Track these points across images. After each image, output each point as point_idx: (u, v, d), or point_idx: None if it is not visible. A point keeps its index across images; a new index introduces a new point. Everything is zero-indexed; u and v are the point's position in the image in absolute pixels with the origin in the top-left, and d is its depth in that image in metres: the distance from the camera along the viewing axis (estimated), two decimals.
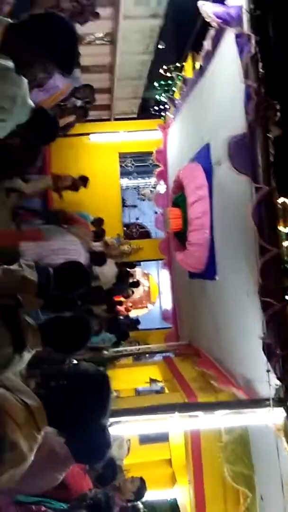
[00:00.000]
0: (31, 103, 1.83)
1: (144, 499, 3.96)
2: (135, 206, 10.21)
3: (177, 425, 3.42)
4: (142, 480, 3.77)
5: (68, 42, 1.70)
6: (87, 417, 1.55)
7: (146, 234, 10.20)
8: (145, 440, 6.58)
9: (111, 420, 2.74)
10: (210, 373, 4.08)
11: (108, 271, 6.05)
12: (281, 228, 2.77)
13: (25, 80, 1.64)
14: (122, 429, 3.11)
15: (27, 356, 2.16)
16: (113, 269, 6.28)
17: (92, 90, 5.63)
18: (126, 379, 6.46)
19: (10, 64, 1.54)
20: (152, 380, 6.22)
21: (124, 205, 8.91)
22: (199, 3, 3.33)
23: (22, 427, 1.39)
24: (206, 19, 3.38)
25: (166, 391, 5.97)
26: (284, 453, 2.67)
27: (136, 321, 7.97)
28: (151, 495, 5.62)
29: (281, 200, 2.78)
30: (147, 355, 6.99)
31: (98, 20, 5.16)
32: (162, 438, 6.54)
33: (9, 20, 1.57)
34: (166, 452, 6.66)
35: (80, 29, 4.76)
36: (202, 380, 4.36)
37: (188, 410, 2.97)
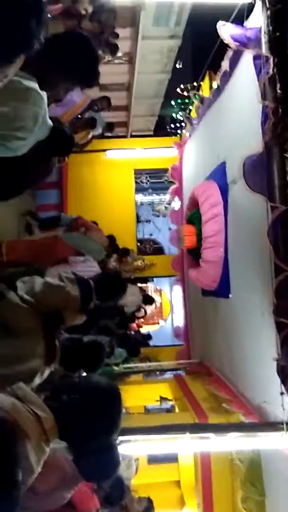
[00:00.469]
0: (50, 121, 1.87)
1: None
2: (149, 221, 10.21)
3: (188, 446, 3.35)
4: (149, 501, 3.69)
5: (89, 60, 1.75)
6: (99, 430, 1.53)
7: (159, 250, 10.20)
8: (154, 460, 6.47)
9: (120, 438, 2.70)
10: (221, 395, 4.00)
11: (130, 298, 6.18)
12: None
13: (45, 99, 1.68)
14: (131, 448, 3.06)
15: (47, 372, 2.18)
16: (135, 296, 6.38)
17: (108, 102, 5.71)
18: (136, 396, 6.38)
19: (32, 84, 1.57)
20: (163, 399, 6.13)
21: (138, 221, 8.93)
22: (218, 25, 3.38)
23: (32, 439, 1.38)
24: (225, 41, 3.42)
25: (177, 410, 5.87)
26: None
27: (148, 336, 7.89)
28: None
29: None
30: (157, 372, 6.90)
31: (117, 40, 5.28)
32: (171, 458, 6.42)
33: None
34: (175, 473, 6.52)
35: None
36: (213, 400, 4.28)
37: (199, 431, 2.91)
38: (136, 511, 3.53)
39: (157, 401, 6.31)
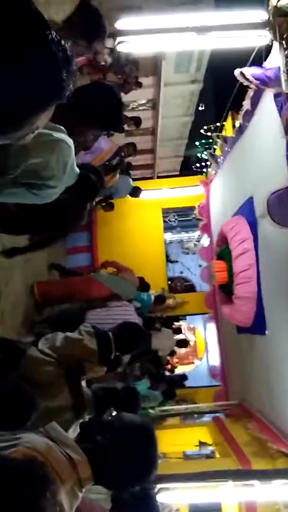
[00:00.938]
0: (77, 169, 1.96)
1: None
2: (176, 261, 10.21)
3: (231, 495, 3.16)
4: None
5: (114, 106, 1.85)
6: (136, 469, 1.47)
7: (190, 288, 10.13)
8: (196, 510, 6.10)
9: (159, 486, 2.59)
10: (264, 437, 3.80)
11: (165, 342, 6.20)
12: None
13: (73, 148, 1.77)
14: (170, 496, 2.91)
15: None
16: (170, 340, 6.36)
17: (134, 148, 5.91)
18: (173, 441, 6.13)
19: (61, 135, 1.67)
20: (202, 443, 5.87)
21: (168, 259, 8.96)
22: (236, 72, 3.50)
23: (65, 483, 1.34)
24: (244, 83, 3.53)
25: (217, 455, 5.58)
26: None
27: (183, 376, 7.69)
28: None
29: None
30: (195, 415, 6.65)
31: (141, 89, 5.55)
32: (215, 509, 6.03)
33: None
34: None
35: (124, 97, 5.15)
36: (256, 445, 4.06)
37: (242, 478, 2.76)
38: None
39: (196, 446, 6.03)
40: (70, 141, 1.74)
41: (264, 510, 3.67)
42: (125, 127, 5.78)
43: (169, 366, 8.26)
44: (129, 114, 6.14)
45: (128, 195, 6.69)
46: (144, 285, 6.39)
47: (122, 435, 1.47)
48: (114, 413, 1.57)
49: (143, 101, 6.65)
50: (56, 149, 1.64)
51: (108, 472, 1.44)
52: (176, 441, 6.16)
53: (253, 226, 4.18)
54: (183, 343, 7.62)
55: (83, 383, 2.29)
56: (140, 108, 6.80)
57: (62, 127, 1.70)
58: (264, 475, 2.80)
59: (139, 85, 5.40)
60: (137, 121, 5.90)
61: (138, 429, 1.52)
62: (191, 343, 12.70)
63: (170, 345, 6.86)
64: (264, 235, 3.97)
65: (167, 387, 5.93)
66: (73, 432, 2.12)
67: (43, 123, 0.89)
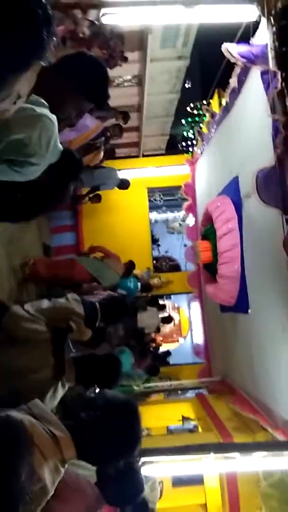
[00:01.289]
0: (60, 146, 1.92)
1: None
2: (157, 241, 10.16)
3: (212, 467, 3.27)
4: None
5: (100, 79, 1.81)
6: (120, 446, 1.50)
7: (176, 267, 10.18)
8: (179, 482, 6.30)
9: (143, 459, 2.65)
10: (245, 414, 3.90)
11: (150, 321, 6.29)
12: None
13: (56, 125, 1.72)
14: (154, 470, 2.99)
15: (60, 392, 2.17)
16: (155, 319, 6.46)
17: (120, 129, 5.83)
18: (158, 417, 6.27)
19: (44, 111, 1.62)
20: (185, 418, 6.02)
21: (153, 239, 8.95)
22: (223, 48, 3.44)
23: (48, 459, 1.36)
24: (231, 60, 3.48)
25: (200, 430, 5.74)
26: None
27: (167, 352, 7.82)
28: None
29: None
30: (179, 391, 6.80)
31: (126, 64, 5.42)
32: (197, 481, 6.24)
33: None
34: (201, 496, 6.33)
35: (109, 72, 5.02)
36: (237, 420, 4.18)
37: (223, 450, 2.83)
38: None
39: (180, 421, 6.19)
40: (53, 117, 1.70)
41: (244, 481, 3.82)
42: (114, 119, 5.70)
43: (153, 344, 8.36)
44: (114, 90, 6.01)
45: (116, 187, 6.68)
46: (129, 269, 6.40)
47: (106, 412, 1.48)
48: (97, 390, 1.59)
49: (129, 77, 6.51)
50: (39, 125, 1.60)
51: (92, 448, 1.46)
52: (160, 416, 6.31)
53: (238, 205, 4.19)
54: (168, 319, 7.73)
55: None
56: (126, 84, 6.66)
57: (45, 102, 1.65)
58: (245, 448, 2.89)
59: (125, 59, 5.27)
60: (125, 115, 5.84)
61: (121, 406, 1.53)
62: (176, 321, 12.88)
63: (155, 323, 6.99)
64: (248, 215, 3.99)
65: (151, 363, 6.05)
66: (52, 395, 2.12)
67: (25, 90, 0.86)
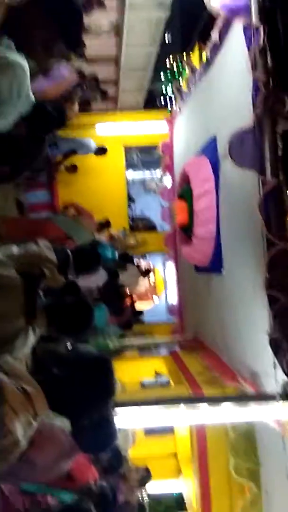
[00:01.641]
0: (32, 97, 1.83)
1: (150, 493, 3.99)
2: (133, 201, 10.04)
3: (183, 418, 3.44)
4: (147, 470, 3.81)
5: (74, 18, 1.71)
6: (93, 400, 1.53)
7: (152, 228, 10.16)
8: (151, 432, 6.62)
9: (117, 411, 2.75)
10: (215, 374, 4.06)
11: (131, 279, 6.37)
12: None
13: (28, 73, 1.63)
14: (127, 421, 3.13)
15: (32, 338, 2.18)
16: (135, 277, 6.55)
17: (97, 82, 5.61)
18: (131, 372, 6.47)
19: (16, 57, 1.53)
20: (158, 373, 6.24)
21: (129, 198, 8.84)
22: None
23: (20, 415, 1.39)
24: (212, 12, 3.33)
25: (172, 384, 5.98)
26: None
27: (140, 312, 8.01)
28: (156, 488, 5.67)
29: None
30: (152, 348, 7.00)
31: (104, 11, 5.12)
32: (168, 431, 6.58)
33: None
34: (172, 445, 6.69)
35: (85, 19, 4.74)
36: (208, 374, 4.36)
37: (193, 402, 2.98)
38: (134, 480, 3.64)
39: (153, 376, 6.41)
40: (25, 65, 1.61)
41: (212, 432, 4.05)
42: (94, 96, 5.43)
43: (129, 301, 8.50)
44: (90, 39, 5.70)
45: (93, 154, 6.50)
46: (104, 226, 6.37)
47: (79, 367, 1.50)
48: (70, 346, 1.60)
49: (106, 25, 6.17)
50: (11, 72, 1.51)
51: (65, 403, 1.48)
52: (134, 371, 6.51)
53: (215, 166, 4.16)
54: (147, 272, 7.85)
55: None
56: (103, 33, 6.32)
57: (16, 49, 1.56)
58: (214, 400, 3.04)
59: (102, 4, 4.96)
60: (104, 93, 5.59)
61: (94, 360, 1.55)
62: (151, 281, 13.03)
63: (136, 280, 7.11)
64: (225, 176, 3.98)
65: (126, 320, 6.20)
66: (23, 341, 2.13)
67: None
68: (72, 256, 2.68)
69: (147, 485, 3.97)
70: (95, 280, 5.52)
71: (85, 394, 1.50)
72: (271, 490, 3.51)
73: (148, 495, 4.01)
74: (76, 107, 5.45)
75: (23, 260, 2.36)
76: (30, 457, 2.00)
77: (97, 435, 2.37)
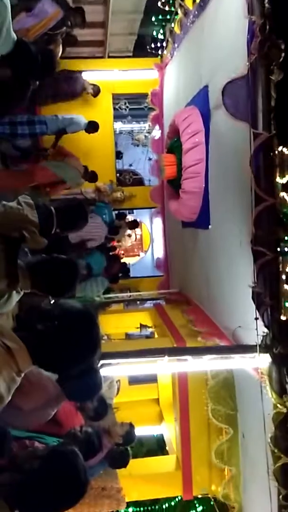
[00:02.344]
0: (14, 35, 1.70)
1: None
2: (120, 154, 9.78)
3: (166, 368, 3.55)
4: (131, 425, 3.92)
5: None
6: (78, 356, 1.53)
7: (139, 181, 10.00)
8: (134, 381, 6.87)
9: (102, 361, 2.82)
10: (198, 329, 4.15)
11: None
12: (277, 179, 2.71)
13: (9, 9, 1.50)
14: (112, 371, 3.22)
15: (15, 297, 2.17)
16: (123, 229, 6.58)
17: (83, 17, 5.25)
18: (117, 325, 6.62)
19: None
20: (142, 326, 6.39)
21: (117, 151, 8.60)
22: None
23: (2, 370, 1.39)
24: None
25: (156, 336, 6.14)
26: (267, 395, 2.80)
27: (125, 266, 8.07)
28: (138, 431, 5.96)
29: (279, 149, 2.69)
30: (138, 302, 7.12)
31: None
32: (151, 379, 6.83)
33: None
34: (154, 392, 6.98)
35: None
36: (191, 327, 4.47)
37: (177, 354, 3.06)
38: (118, 435, 3.77)
39: (137, 328, 6.57)
40: (6, 0, 1.48)
41: (193, 379, 4.22)
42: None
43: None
44: None
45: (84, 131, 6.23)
46: (91, 179, 6.24)
47: (63, 322, 1.48)
48: (53, 301, 1.57)
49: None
50: None
51: (50, 358, 1.48)
52: (119, 324, 6.66)
53: (206, 118, 4.03)
54: (134, 224, 7.82)
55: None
56: None
57: None
58: (196, 352, 3.14)
59: None
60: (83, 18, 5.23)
61: (78, 315, 1.53)
62: (138, 236, 13.03)
63: (123, 233, 7.16)
64: (216, 128, 3.86)
65: (115, 273, 6.27)
66: (5, 303, 2.12)
67: None
68: (57, 213, 2.52)
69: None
70: (97, 232, 5.60)
71: (69, 349, 1.49)
72: (248, 433, 3.72)
73: None
74: (60, 48, 5.14)
75: (3, 221, 2.26)
76: (17, 404, 2.05)
77: (83, 385, 2.43)
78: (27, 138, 5.87)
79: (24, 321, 1.59)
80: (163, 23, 6.84)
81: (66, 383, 2.38)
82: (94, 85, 6.77)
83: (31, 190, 5.20)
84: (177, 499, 6.70)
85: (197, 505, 7.47)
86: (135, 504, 6.36)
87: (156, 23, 7.30)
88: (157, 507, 8.12)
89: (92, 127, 6.34)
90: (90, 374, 2.49)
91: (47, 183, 5.11)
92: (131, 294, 6.95)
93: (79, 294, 5.54)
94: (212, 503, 4.66)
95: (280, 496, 2.71)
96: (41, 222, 2.36)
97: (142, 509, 7.45)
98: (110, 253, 6.57)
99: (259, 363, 2.80)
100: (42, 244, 2.38)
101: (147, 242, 12.89)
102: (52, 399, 2.38)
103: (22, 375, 1.48)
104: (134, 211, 9.77)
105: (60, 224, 2.49)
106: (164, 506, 8.13)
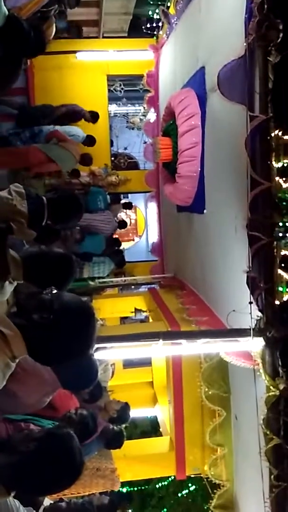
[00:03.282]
0: (5, 9, 1.65)
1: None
2: (116, 137, 9.63)
3: (161, 352, 3.58)
4: (126, 404, 3.97)
5: None
6: (73, 349, 1.52)
7: (134, 165, 9.90)
8: (129, 364, 6.94)
9: (97, 345, 2.83)
10: (191, 318, 4.16)
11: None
12: (273, 163, 2.69)
13: None
14: (107, 354, 3.24)
15: (8, 288, 2.14)
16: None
17: None
18: (112, 309, 6.64)
19: None
20: (137, 310, 6.41)
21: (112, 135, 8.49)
22: None
23: None
24: None
25: (150, 320, 6.18)
26: (260, 378, 2.84)
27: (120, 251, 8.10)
28: (133, 413, 6.05)
29: (275, 132, 2.67)
30: (132, 286, 7.13)
31: None
32: (145, 363, 6.90)
33: None
34: (148, 375, 7.06)
35: None
36: (185, 311, 4.50)
37: (171, 338, 3.08)
38: (113, 411, 3.83)
39: (132, 312, 6.60)
40: None
41: (187, 362, 4.26)
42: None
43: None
44: None
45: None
46: (86, 162, 6.17)
47: (60, 315, 1.45)
48: (54, 291, 1.54)
49: None
50: None
51: (43, 350, 1.47)
52: (114, 309, 6.68)
53: (202, 100, 3.98)
54: (129, 204, 7.85)
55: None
56: None
57: None
58: (190, 335, 3.16)
59: None
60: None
61: (76, 310, 1.51)
62: (132, 221, 12.99)
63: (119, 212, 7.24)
64: (212, 110, 3.82)
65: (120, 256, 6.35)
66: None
67: None
68: (50, 204, 2.40)
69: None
70: (105, 229, 5.68)
71: (65, 343, 1.47)
72: (240, 415, 3.78)
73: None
74: (53, 28, 5.00)
75: None
76: (13, 392, 2.06)
77: (78, 374, 2.44)
78: None
79: (22, 307, 1.57)
80: (159, 3, 6.69)
81: (60, 373, 2.37)
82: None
83: (30, 177, 5.19)
84: (170, 479, 6.86)
85: (189, 484, 7.65)
86: (129, 484, 6.49)
87: (151, 2, 7.14)
88: (150, 486, 8.31)
89: (89, 141, 6.25)
90: (86, 363, 2.49)
91: (40, 165, 5.05)
92: (125, 278, 6.95)
93: (86, 275, 5.70)
94: (204, 482, 4.77)
95: (272, 476, 2.77)
96: (31, 213, 2.26)
97: (135, 488, 7.62)
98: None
99: (253, 346, 2.83)
100: (30, 236, 2.30)
101: (141, 226, 12.87)
102: (47, 386, 2.38)
103: (17, 361, 1.47)
104: (129, 195, 9.70)
105: (52, 216, 2.39)
106: (157, 486, 8.33)
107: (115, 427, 3.76)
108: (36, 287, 2.20)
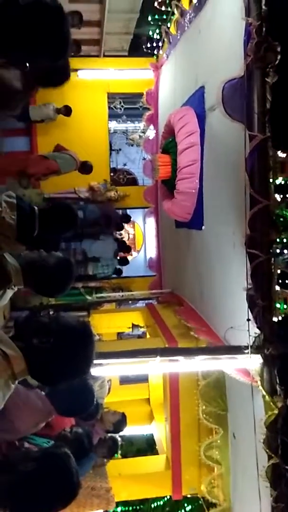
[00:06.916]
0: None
1: (122, 434, 4.18)
2: (119, 150, 9.75)
3: (158, 369, 3.55)
4: (123, 415, 3.93)
5: None
6: (72, 371, 1.53)
7: (133, 181, 9.98)
8: (126, 381, 6.87)
9: (94, 362, 2.81)
10: (190, 326, 4.15)
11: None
12: (271, 180, 2.72)
13: None
14: (104, 371, 3.21)
15: (9, 293, 2.14)
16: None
17: (80, 17, 5.27)
18: (109, 324, 6.60)
19: None
20: (134, 326, 6.38)
21: (111, 149, 8.58)
22: None
23: None
24: None
25: (148, 336, 6.14)
26: (258, 396, 2.82)
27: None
28: (129, 430, 5.97)
29: (273, 151, 2.70)
30: (130, 301, 7.11)
31: None
32: (142, 379, 6.83)
33: None
34: (145, 392, 6.98)
35: None
36: (183, 328, 4.48)
37: (169, 354, 3.06)
38: (109, 422, 3.78)
39: (129, 328, 6.56)
40: None
41: (184, 379, 4.23)
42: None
43: None
44: None
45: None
46: (86, 169, 6.24)
47: (59, 339, 1.46)
48: (52, 313, 1.55)
49: None
50: None
51: (43, 372, 1.48)
52: (112, 324, 6.64)
53: (201, 118, 4.04)
54: (127, 217, 8.03)
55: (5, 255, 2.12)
56: None
57: None
58: (188, 352, 3.14)
59: None
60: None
61: (75, 332, 1.51)
62: (131, 236, 13.02)
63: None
64: (211, 129, 3.87)
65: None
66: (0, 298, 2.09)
67: None
68: (42, 215, 2.30)
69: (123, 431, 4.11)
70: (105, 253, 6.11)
71: (64, 365, 1.49)
72: (238, 433, 3.73)
73: (121, 437, 4.20)
74: None
75: None
76: (8, 417, 2.05)
77: (73, 400, 2.42)
78: None
79: (21, 330, 1.58)
80: (159, 23, 6.82)
81: (56, 398, 2.35)
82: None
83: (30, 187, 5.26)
84: (165, 499, 6.71)
85: (185, 504, 7.49)
86: (124, 503, 6.35)
87: (152, 22, 7.28)
88: (145, 506, 8.12)
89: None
90: (82, 390, 2.48)
91: (38, 162, 5.15)
92: (123, 293, 6.93)
93: (91, 273, 5.85)
94: (200, 502, 4.68)
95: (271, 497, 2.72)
96: (20, 225, 2.19)
97: (130, 508, 7.44)
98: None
99: (251, 363, 2.81)
100: (19, 250, 2.24)
101: (140, 241, 12.89)
102: (42, 415, 2.37)
103: (16, 382, 1.47)
104: (128, 210, 9.75)
105: (43, 226, 2.31)
106: (152, 506, 8.14)
107: (110, 440, 3.73)
108: (36, 292, 2.19)
